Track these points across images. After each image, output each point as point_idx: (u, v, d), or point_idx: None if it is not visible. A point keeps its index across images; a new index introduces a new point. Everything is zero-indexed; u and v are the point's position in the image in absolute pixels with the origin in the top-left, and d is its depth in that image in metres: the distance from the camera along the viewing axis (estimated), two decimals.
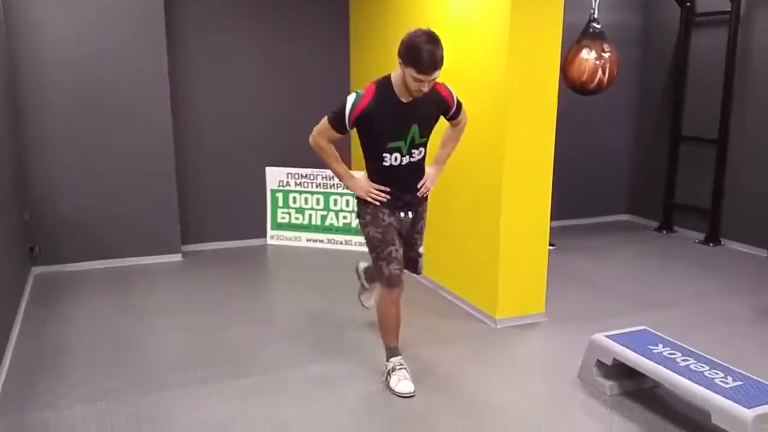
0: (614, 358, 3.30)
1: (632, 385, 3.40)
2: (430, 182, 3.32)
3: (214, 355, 3.74)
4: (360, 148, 3.23)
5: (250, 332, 4.11)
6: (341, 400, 3.25)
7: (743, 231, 6.33)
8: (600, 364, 3.41)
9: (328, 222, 6.19)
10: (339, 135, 3.09)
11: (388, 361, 3.37)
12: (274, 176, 6.21)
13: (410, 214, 3.28)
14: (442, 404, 3.22)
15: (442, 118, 3.23)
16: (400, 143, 3.05)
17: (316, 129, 3.14)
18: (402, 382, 3.27)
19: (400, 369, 3.31)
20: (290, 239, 6.27)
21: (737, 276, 5.48)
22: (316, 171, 6.12)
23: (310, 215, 6.23)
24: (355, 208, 3.37)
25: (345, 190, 6.07)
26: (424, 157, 3.20)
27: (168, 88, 5.37)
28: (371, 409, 3.18)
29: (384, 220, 3.19)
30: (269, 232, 6.31)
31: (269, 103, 6.09)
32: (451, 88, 3.18)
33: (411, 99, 2.97)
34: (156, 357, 3.70)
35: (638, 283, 5.29)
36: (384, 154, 3.08)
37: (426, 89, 2.90)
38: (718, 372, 3.01)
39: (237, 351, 3.81)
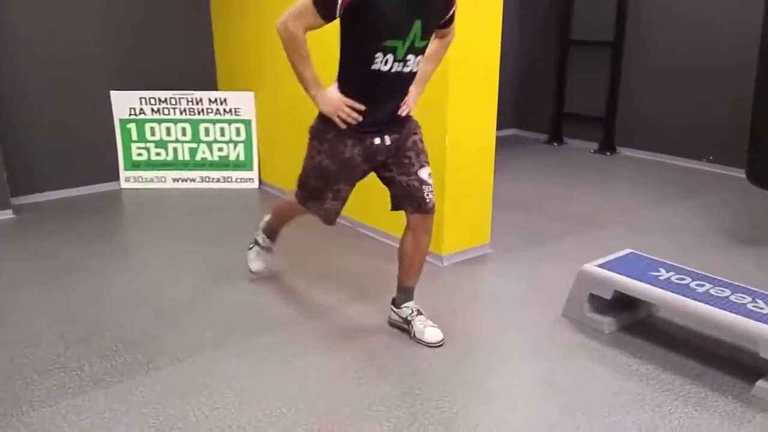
0: (616, 291, 2.78)
1: (627, 319, 2.93)
2: (412, 101, 2.62)
3: (92, 343, 2.71)
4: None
5: (127, 307, 3.09)
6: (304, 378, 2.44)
7: (636, 137, 6.20)
8: (592, 299, 2.89)
9: (199, 156, 5.09)
10: (322, 22, 2.32)
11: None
12: (123, 103, 4.94)
13: (387, 140, 2.56)
14: (422, 365, 2.53)
15: None
16: (398, 43, 2.35)
17: (290, 11, 2.33)
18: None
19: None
20: (152, 180, 5.10)
21: (650, 184, 5.30)
22: (178, 93, 4.95)
23: (176, 149, 5.08)
24: (313, 125, 2.60)
25: (219, 116, 4.99)
26: (415, 73, 2.50)
27: None
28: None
29: (344, 153, 2.54)
30: (123, 173, 5.08)
31: (112, 12, 4.76)
32: None
33: None
34: (13, 349, 2.60)
35: (557, 199, 4.91)
36: (376, 54, 2.35)
37: None
38: (745, 296, 2.59)
39: (121, 335, 2.80)
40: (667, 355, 2.66)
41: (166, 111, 4.98)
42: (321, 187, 2.64)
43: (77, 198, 4.83)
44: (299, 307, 3.05)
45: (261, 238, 3.31)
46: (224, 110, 5.00)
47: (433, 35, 2.52)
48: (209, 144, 5.07)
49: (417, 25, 2.35)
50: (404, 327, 2.79)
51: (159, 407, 2.27)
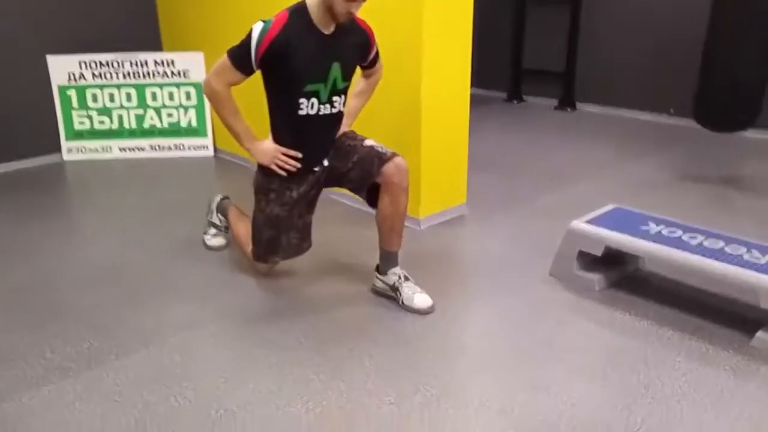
0: (607, 247, 2.70)
1: (616, 275, 2.86)
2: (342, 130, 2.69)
3: (51, 329, 2.46)
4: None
5: (85, 289, 2.84)
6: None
7: (596, 93, 6.16)
8: (581, 256, 2.80)
9: (147, 123, 4.77)
10: (242, 77, 2.40)
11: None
12: (61, 67, 4.56)
13: (326, 162, 2.63)
14: (414, 333, 2.39)
15: None
16: (320, 86, 2.42)
17: (212, 69, 2.44)
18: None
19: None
20: (96, 151, 4.76)
21: (614, 139, 5.28)
22: (121, 55, 4.60)
23: (121, 117, 4.74)
24: (255, 180, 2.64)
25: (167, 79, 4.67)
26: (342, 111, 2.59)
27: None
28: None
29: (293, 195, 2.59)
30: (65, 144, 4.72)
31: None
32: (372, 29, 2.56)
33: (333, 30, 2.39)
34: None
35: (525, 157, 4.83)
36: (300, 100, 2.43)
37: (356, 11, 2.35)
38: (739, 246, 2.54)
39: (84, 318, 2.56)
40: (661, 310, 2.60)
41: (108, 75, 4.62)
42: (276, 235, 2.63)
43: (16, 173, 4.47)
44: (274, 280, 2.86)
45: (217, 218, 3.17)
46: (172, 72, 4.68)
47: (361, 74, 2.63)
48: (157, 110, 4.75)
49: (336, 68, 2.42)
50: (391, 294, 2.65)
51: (135, 394, 2.07)
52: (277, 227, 2.61)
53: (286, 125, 2.50)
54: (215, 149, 4.84)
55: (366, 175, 2.52)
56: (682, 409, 2.00)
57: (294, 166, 2.51)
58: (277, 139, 2.52)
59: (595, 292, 2.75)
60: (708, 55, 3.96)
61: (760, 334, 2.35)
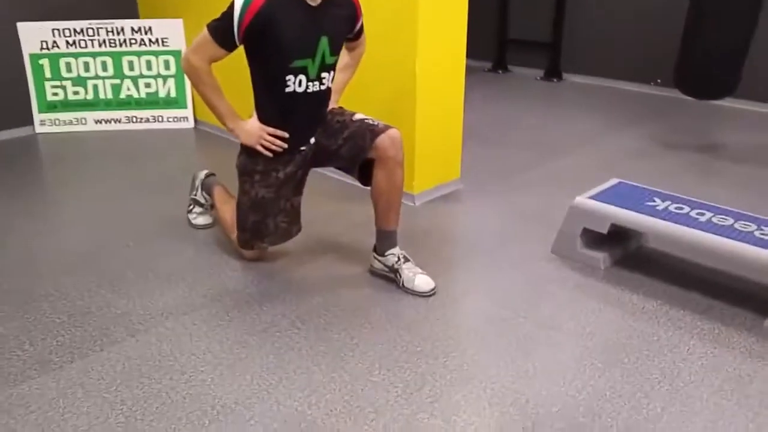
0: (612, 224, 2.60)
1: (620, 252, 2.77)
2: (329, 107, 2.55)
3: (28, 317, 2.30)
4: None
5: (64, 272, 2.67)
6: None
7: (582, 63, 6.04)
8: (585, 233, 2.70)
9: (123, 94, 4.53)
10: (224, 52, 2.25)
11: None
12: (33, 35, 4.30)
13: (312, 141, 2.50)
14: (416, 317, 2.28)
15: None
16: (307, 62, 2.29)
17: (192, 45, 2.30)
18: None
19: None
20: (71, 123, 4.53)
21: (602, 110, 5.17)
22: (96, 22, 4.35)
23: (96, 87, 4.50)
24: (239, 162, 2.50)
25: (144, 47, 4.44)
26: (330, 88, 2.46)
27: None
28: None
29: (279, 177, 2.46)
30: (37, 116, 4.48)
31: None
32: None
33: (320, 2, 2.25)
34: None
35: (514, 129, 4.72)
36: (287, 77, 2.29)
37: None
38: (749, 223, 2.46)
39: (63, 305, 2.40)
40: (668, 289, 2.52)
41: (83, 43, 4.37)
42: (263, 220, 2.50)
43: None
44: (265, 261, 2.71)
45: (201, 196, 3.01)
46: (150, 40, 4.44)
47: (344, 47, 2.48)
48: (134, 79, 4.51)
49: (324, 42, 2.29)
50: (390, 276, 2.53)
51: (124, 388, 1.93)
52: (264, 211, 2.48)
53: (272, 104, 2.37)
54: (195, 121, 4.63)
55: (358, 151, 2.38)
56: (702, 396, 1.92)
57: (280, 146, 2.38)
58: (262, 119, 2.39)
59: (601, 271, 2.66)
60: (689, 23, 3.91)
61: None
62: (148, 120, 4.58)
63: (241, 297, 2.44)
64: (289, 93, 2.31)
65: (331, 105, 2.52)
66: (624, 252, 2.79)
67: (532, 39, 6.23)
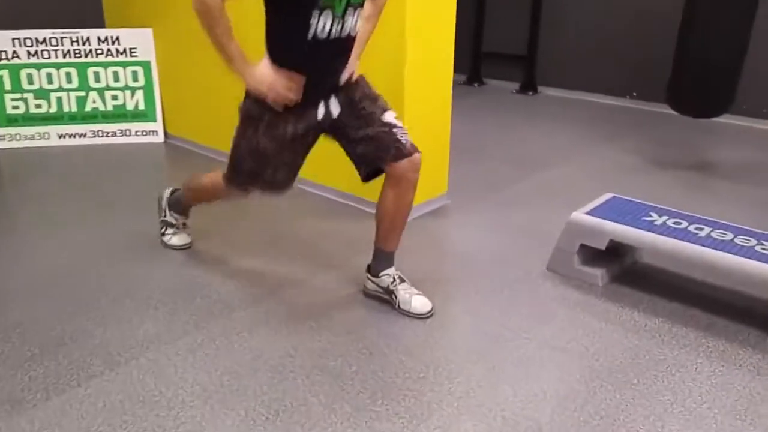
0: (611, 240, 2.53)
1: (617, 268, 2.71)
2: (352, 64, 2.25)
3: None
4: None
5: (32, 300, 2.49)
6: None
7: (557, 76, 6.05)
8: (582, 250, 2.63)
9: (89, 107, 4.34)
10: None
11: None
12: None
13: (333, 110, 2.23)
14: (415, 340, 2.17)
15: None
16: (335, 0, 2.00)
17: None
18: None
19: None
20: (32, 138, 4.31)
21: (580, 123, 5.17)
22: (60, 32, 4.15)
23: (60, 99, 4.29)
24: (244, 105, 2.21)
25: (111, 58, 4.26)
26: (354, 37, 2.17)
27: None
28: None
29: (286, 134, 2.17)
30: None
31: None
32: None
33: None
34: None
35: (494, 143, 4.67)
36: (311, 19, 2.00)
37: None
38: (749, 238, 2.42)
39: (33, 336, 2.22)
40: (668, 306, 2.46)
41: (45, 54, 4.17)
42: (260, 166, 2.26)
43: None
44: (252, 284, 2.57)
45: (171, 217, 2.83)
46: (117, 51, 4.26)
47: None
48: (101, 91, 4.32)
49: None
50: (385, 297, 2.41)
51: (107, 427, 1.77)
52: (263, 162, 2.24)
53: (290, 51, 2.09)
54: (165, 134, 4.46)
55: (375, 159, 2.22)
56: (716, 417, 1.86)
57: (293, 101, 2.11)
58: (276, 64, 2.11)
59: (599, 288, 2.59)
60: (682, 43, 3.87)
61: None
62: (115, 134, 4.39)
63: (226, 323, 2.30)
64: (310, 38, 2.04)
65: (354, 60, 2.25)
66: (621, 267, 2.73)
67: (508, 52, 6.23)
